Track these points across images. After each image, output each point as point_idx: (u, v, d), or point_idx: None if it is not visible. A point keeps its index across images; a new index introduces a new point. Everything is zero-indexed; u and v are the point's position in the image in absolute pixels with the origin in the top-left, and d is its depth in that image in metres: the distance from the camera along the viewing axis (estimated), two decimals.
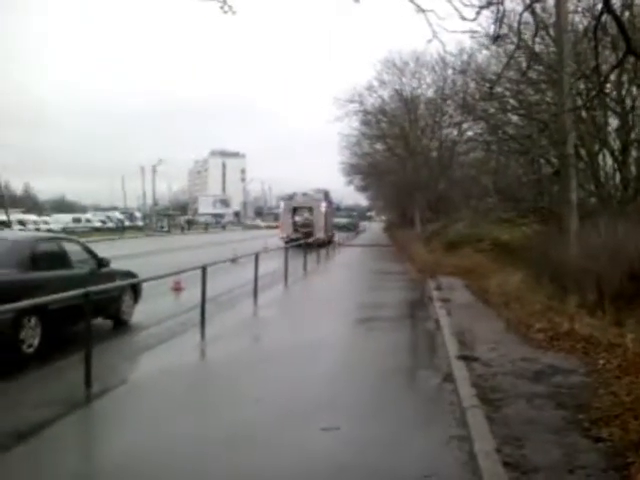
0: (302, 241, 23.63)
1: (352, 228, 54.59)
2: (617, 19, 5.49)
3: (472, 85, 20.16)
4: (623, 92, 14.23)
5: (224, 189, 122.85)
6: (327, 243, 28.92)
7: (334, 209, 44.73)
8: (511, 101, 17.40)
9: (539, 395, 5.47)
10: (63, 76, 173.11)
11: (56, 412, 5.41)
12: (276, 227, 53.83)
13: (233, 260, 16.39)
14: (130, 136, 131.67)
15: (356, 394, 6.05)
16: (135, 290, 10.10)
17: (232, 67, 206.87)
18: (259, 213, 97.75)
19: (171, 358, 7.55)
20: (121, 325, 9.56)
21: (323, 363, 7.30)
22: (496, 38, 8.33)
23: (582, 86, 13.58)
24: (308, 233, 31.04)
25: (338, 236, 38.77)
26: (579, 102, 13.12)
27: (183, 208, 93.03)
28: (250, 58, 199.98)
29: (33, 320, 7.38)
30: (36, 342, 7.45)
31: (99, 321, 8.90)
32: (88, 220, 53.37)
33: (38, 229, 36.13)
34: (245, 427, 5.03)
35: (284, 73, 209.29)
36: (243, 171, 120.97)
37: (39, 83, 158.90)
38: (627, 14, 12.19)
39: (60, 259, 8.65)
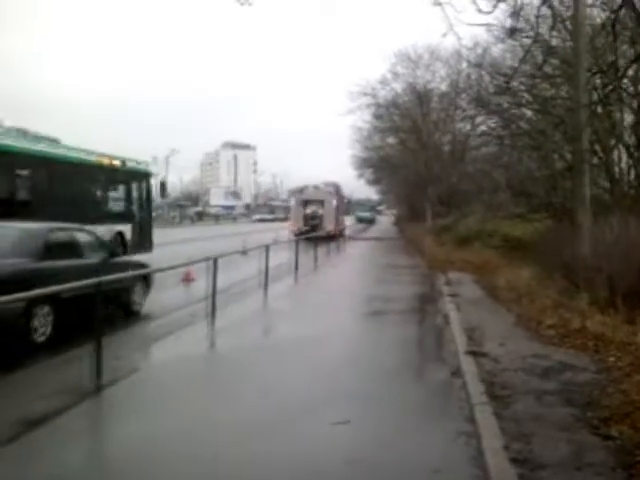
0: (313, 234, 23.70)
1: (373, 221, 65.33)
2: (636, 13, 5.42)
3: (486, 79, 19.99)
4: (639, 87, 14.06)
5: (235, 181, 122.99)
6: (338, 236, 28.88)
7: (345, 202, 44.62)
8: (525, 95, 17.24)
9: (548, 392, 5.44)
10: (77, 66, 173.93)
11: (66, 401, 5.46)
12: (270, 221, 54.54)
13: (243, 252, 16.42)
14: (143, 126, 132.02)
15: (365, 388, 6.05)
16: (146, 280, 10.16)
17: (246, 60, 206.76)
18: (247, 207, 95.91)
19: (181, 349, 7.60)
20: (132, 315, 9.62)
21: (331, 356, 7.30)
22: (512, 32, 8.27)
23: (598, 81, 13.42)
24: (319, 226, 31.09)
25: (352, 229, 38.81)
26: (595, 97, 12.98)
27: (194, 199, 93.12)
28: (263, 51, 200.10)
29: (45, 309, 7.46)
30: (48, 331, 7.53)
31: (110, 311, 8.97)
32: None
33: None
34: (253, 419, 5.05)
35: (297, 66, 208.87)
36: (254, 163, 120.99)
37: (52, 72, 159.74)
38: None
39: (72, 248, 8.72)
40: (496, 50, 18.95)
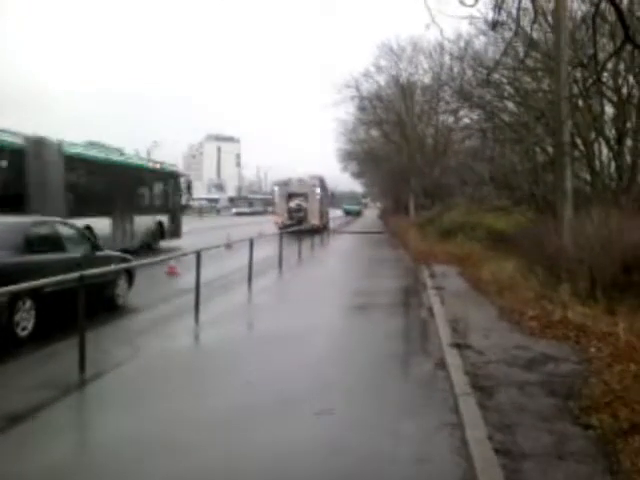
0: (296, 227, 23.68)
1: (360, 213, 69.52)
2: (616, 7, 5.47)
3: (469, 72, 20.09)
4: (620, 81, 14.22)
5: (219, 174, 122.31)
6: (322, 230, 28.85)
7: (330, 195, 44.49)
8: (508, 88, 17.37)
9: (531, 383, 5.51)
10: (60, 59, 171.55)
11: (49, 396, 5.43)
12: (249, 214, 54.48)
13: (227, 246, 16.38)
14: (126, 118, 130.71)
15: (349, 380, 6.08)
16: (130, 274, 10.10)
17: (230, 52, 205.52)
18: (231, 200, 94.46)
19: (165, 342, 7.58)
20: (116, 309, 9.56)
21: (315, 349, 7.33)
22: (495, 24, 8.30)
23: (579, 74, 13.55)
24: (303, 219, 31.03)
25: (336, 222, 38.85)
26: (576, 90, 13.11)
27: None
28: (248, 44, 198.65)
29: (27, 303, 7.39)
30: (30, 325, 7.46)
31: (93, 305, 8.90)
32: None
33: None
34: (238, 410, 5.06)
35: (283, 58, 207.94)
36: (238, 156, 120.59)
37: (39, 67, 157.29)
38: (626, 1, 12.13)
39: (54, 242, 8.63)
40: (479, 43, 19.09)
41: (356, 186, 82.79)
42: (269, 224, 29.42)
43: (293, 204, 34.00)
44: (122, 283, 9.87)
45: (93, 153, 17.68)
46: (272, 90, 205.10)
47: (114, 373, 6.24)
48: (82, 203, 15.52)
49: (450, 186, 28.26)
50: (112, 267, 9.12)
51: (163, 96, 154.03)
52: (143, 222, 19.49)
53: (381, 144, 42.36)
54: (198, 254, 9.72)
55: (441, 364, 6.41)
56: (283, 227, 28.14)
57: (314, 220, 30.97)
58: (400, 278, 14.28)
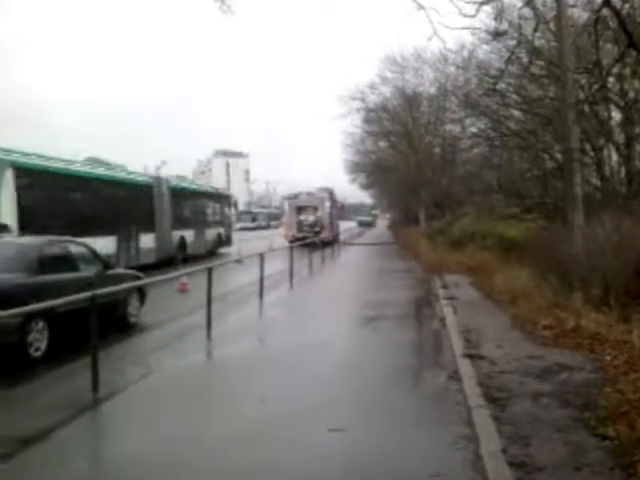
0: (307, 240, 23.68)
1: (372, 224, 72.28)
2: (616, 13, 5.47)
3: (474, 81, 20.10)
4: (625, 85, 14.16)
5: (228, 189, 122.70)
6: (332, 242, 28.75)
7: (339, 208, 44.53)
8: (513, 96, 17.34)
9: (545, 393, 5.45)
10: (63, 74, 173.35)
11: (62, 417, 5.43)
12: (251, 229, 54.58)
13: (238, 261, 16.43)
14: (132, 137, 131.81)
15: (362, 393, 6.05)
16: (141, 292, 10.13)
17: (235, 67, 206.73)
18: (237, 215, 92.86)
19: (177, 360, 7.57)
20: (128, 327, 9.59)
21: (328, 363, 7.31)
22: (496, 34, 8.31)
23: (584, 80, 13.52)
24: (313, 232, 31.06)
25: (346, 234, 38.79)
26: (582, 96, 13.06)
27: None
28: (254, 58, 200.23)
29: (40, 324, 7.43)
30: (43, 346, 7.49)
31: (105, 324, 8.93)
32: None
33: None
34: (251, 428, 5.04)
35: (288, 71, 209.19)
36: (247, 171, 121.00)
37: (40, 81, 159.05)
38: (627, 7, 12.10)
39: (67, 262, 8.69)
40: (482, 52, 19.07)
41: (365, 197, 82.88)
42: (276, 238, 29.53)
43: (303, 217, 34.10)
44: (134, 301, 9.90)
45: (185, 184, 26.01)
46: (278, 104, 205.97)
47: (127, 392, 6.24)
48: (178, 221, 21.91)
49: (459, 195, 28.15)
50: (124, 285, 9.15)
51: (168, 112, 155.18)
52: (210, 234, 25.67)
53: (389, 155, 42.36)
54: (209, 270, 9.74)
55: (454, 376, 6.36)
56: (293, 240, 28.19)
57: (324, 232, 30.98)
58: (412, 289, 14.22)
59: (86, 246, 9.73)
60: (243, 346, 8.47)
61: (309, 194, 35.66)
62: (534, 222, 16.68)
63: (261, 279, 12.80)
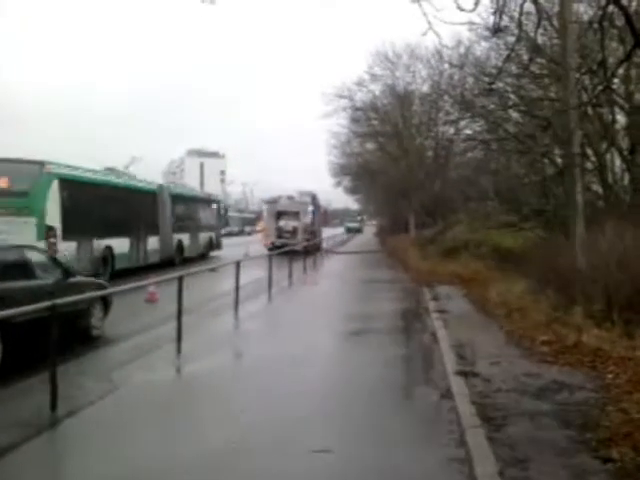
0: (287, 248, 23.70)
1: (360, 230, 77.18)
2: (624, 10, 5.58)
3: (470, 80, 20.34)
4: (631, 87, 14.42)
5: (202, 191, 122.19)
6: (314, 250, 28.81)
7: (322, 213, 44.68)
8: (512, 97, 17.57)
9: (544, 413, 5.51)
10: (29, 73, 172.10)
11: (16, 437, 5.35)
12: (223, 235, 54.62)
13: (212, 269, 16.36)
14: (100, 135, 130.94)
15: (348, 414, 6.05)
16: (105, 302, 10.04)
17: (214, 61, 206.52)
18: None
19: (144, 376, 7.51)
20: (90, 340, 9.49)
21: (310, 381, 7.31)
22: (496, 30, 8.41)
23: (587, 81, 13.74)
24: (294, 239, 31.11)
25: (332, 241, 38.87)
26: (584, 98, 13.28)
27: None
28: (233, 52, 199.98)
29: None
30: None
31: (66, 336, 8.83)
32: None
33: None
34: (225, 450, 5.01)
35: (269, 67, 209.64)
36: (222, 172, 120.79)
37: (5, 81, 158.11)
38: (634, 5, 12.37)
39: (23, 269, 8.59)
40: (480, 49, 19.32)
41: (350, 202, 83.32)
42: (253, 246, 29.55)
43: (283, 223, 34.10)
44: (97, 312, 9.81)
45: (185, 191, 30.66)
46: (258, 103, 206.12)
47: (88, 411, 6.17)
48: (177, 226, 25.14)
49: (452, 201, 28.40)
50: (86, 295, 9.07)
51: (140, 111, 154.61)
52: (202, 237, 28.70)
53: (377, 157, 42.58)
54: (180, 279, 9.69)
55: (447, 394, 6.39)
56: (272, 248, 28.20)
57: (305, 240, 30.99)
58: (400, 301, 14.27)
59: (44, 253, 9.62)
60: (216, 362, 8.42)
61: (290, 198, 35.69)
62: (532, 231, 16.88)
63: (237, 289, 12.76)
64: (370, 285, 18.11)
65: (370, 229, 78.28)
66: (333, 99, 36.49)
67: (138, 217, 21.43)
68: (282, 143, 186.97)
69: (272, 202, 35.72)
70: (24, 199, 15.39)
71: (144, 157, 48.25)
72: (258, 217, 68.84)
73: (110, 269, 18.38)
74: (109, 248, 18.44)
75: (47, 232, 15.31)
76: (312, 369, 7.89)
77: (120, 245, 19.15)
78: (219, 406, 6.33)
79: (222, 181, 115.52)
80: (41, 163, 15.92)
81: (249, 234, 58.90)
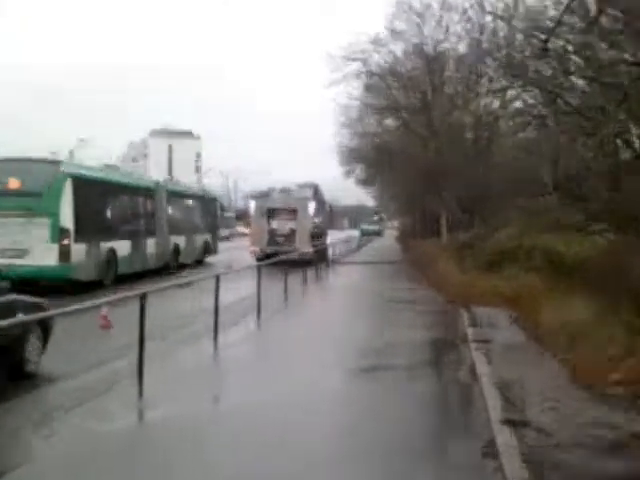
0: (283, 257, 22.98)
1: (380, 233, 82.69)
2: None
3: (520, 37, 20.30)
4: None
5: (171, 180, 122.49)
6: (319, 260, 28.14)
7: (327, 211, 44.18)
8: (575, 59, 17.54)
9: (619, 476, 5.46)
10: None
11: None
12: None
13: (182, 285, 16.40)
14: (52, 114, 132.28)
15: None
16: (45, 328, 10.01)
17: (190, 28, 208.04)
18: None
19: (93, 425, 7.50)
20: (24, 378, 9.47)
21: (309, 434, 7.30)
22: None
23: None
24: (290, 246, 30.56)
25: (341, 247, 38.64)
26: None
27: None
28: (216, 17, 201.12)
29: None
30: None
31: None
32: None
33: None
34: None
35: (261, 31, 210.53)
36: (198, 155, 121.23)
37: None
38: None
39: None
40: None
41: (364, 197, 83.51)
42: (235, 252, 29.64)
43: (276, 225, 33.53)
44: (33, 340, 9.78)
45: (181, 188, 34.13)
46: (251, 74, 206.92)
47: (19, 471, 6.12)
48: (173, 226, 27.99)
49: (496, 196, 28.35)
50: (19, 319, 9.00)
51: (88, 83, 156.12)
52: (198, 240, 31.93)
53: (398, 138, 42.55)
54: (142, 297, 9.67)
55: (490, 449, 6.36)
56: (263, 257, 27.95)
57: (305, 246, 30.55)
58: (428, 328, 14.28)
59: None
60: (187, 407, 8.37)
61: (284, 191, 35.33)
62: (601, 235, 16.82)
63: (216, 311, 12.72)
64: (390, 305, 18.11)
65: (390, 232, 78.44)
66: (342, 63, 36.36)
67: (138, 218, 25.10)
68: (275, 123, 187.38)
69: (261, 197, 35.40)
70: (38, 200, 18.13)
71: (100, 139, 49.97)
72: (242, 216, 69.02)
73: (113, 274, 21.31)
74: (112, 251, 21.44)
75: (61, 234, 18.15)
76: (311, 420, 7.83)
77: (122, 247, 22.50)
78: (189, 466, 6.29)
79: (197, 169, 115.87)
80: (56, 162, 19.12)
81: (227, 238, 58.51)
